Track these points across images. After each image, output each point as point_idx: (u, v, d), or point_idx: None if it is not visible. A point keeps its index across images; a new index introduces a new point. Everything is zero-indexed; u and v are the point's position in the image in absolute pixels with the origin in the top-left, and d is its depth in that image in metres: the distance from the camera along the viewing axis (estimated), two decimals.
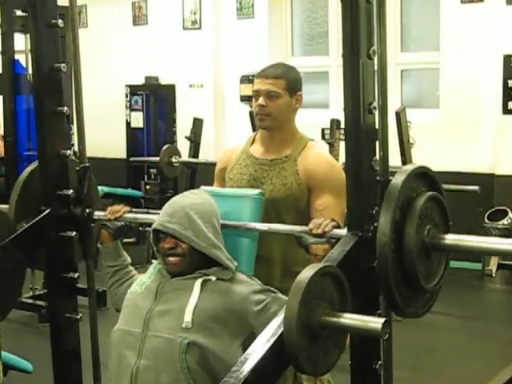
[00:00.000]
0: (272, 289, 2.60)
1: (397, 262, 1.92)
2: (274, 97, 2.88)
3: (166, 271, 2.64)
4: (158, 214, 2.63)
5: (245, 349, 2.38)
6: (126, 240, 3.06)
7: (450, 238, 2.00)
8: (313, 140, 3.01)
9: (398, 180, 1.95)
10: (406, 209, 1.94)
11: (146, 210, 7.95)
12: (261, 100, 2.89)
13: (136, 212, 3.01)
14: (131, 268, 2.91)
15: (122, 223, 2.85)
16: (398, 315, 1.98)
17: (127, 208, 2.87)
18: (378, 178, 2.07)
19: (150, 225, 2.66)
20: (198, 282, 2.54)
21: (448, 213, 2.06)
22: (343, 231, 2.24)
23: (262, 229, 2.71)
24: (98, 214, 2.86)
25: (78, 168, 2.85)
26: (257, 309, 2.51)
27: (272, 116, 2.89)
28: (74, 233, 2.81)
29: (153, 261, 2.76)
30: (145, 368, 2.43)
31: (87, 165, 2.86)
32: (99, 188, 3.16)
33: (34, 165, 2.92)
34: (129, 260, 2.92)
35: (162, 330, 2.46)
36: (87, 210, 2.83)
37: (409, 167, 1.99)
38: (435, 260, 2.04)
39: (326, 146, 6.68)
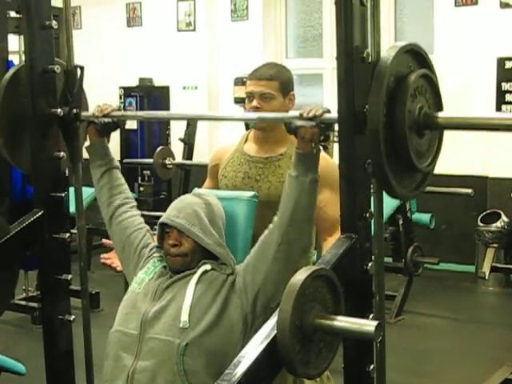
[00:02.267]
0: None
1: (388, 139, 1.89)
2: (268, 98, 2.87)
3: (166, 270, 2.63)
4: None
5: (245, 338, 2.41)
6: None
7: (442, 116, 1.98)
8: None
9: (388, 55, 1.92)
10: (396, 86, 1.92)
11: (140, 212, 7.96)
12: (255, 102, 2.88)
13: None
14: (120, 176, 2.87)
15: (110, 120, 2.78)
16: (390, 194, 1.96)
17: (115, 106, 2.82)
18: (369, 61, 2.03)
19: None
20: (194, 278, 2.54)
21: (439, 92, 2.04)
22: (333, 115, 2.21)
23: (253, 118, 2.71)
24: (85, 114, 2.82)
25: (65, 68, 2.80)
26: (238, 290, 2.53)
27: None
28: (68, 234, 2.81)
29: (154, 254, 2.74)
30: (142, 369, 2.43)
31: (81, 65, 2.82)
32: (91, 190, 3.15)
33: (19, 65, 2.85)
34: (116, 163, 2.88)
35: (159, 332, 2.46)
36: (74, 110, 2.79)
37: (399, 43, 1.97)
38: (427, 140, 2.02)
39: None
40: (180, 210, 2.63)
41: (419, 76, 1.97)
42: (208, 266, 2.57)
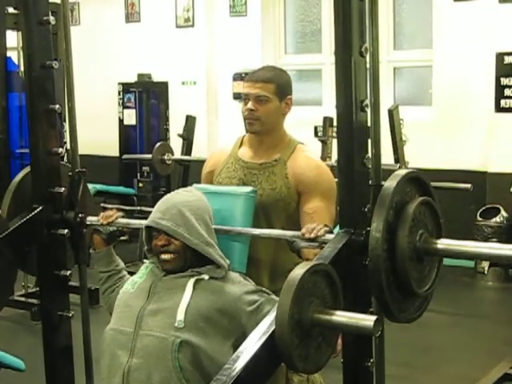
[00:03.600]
0: (265, 289, 2.60)
1: (389, 266, 1.92)
2: (264, 101, 2.85)
3: (159, 270, 2.63)
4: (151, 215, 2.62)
5: (236, 348, 2.39)
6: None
7: (442, 243, 2.00)
8: (302, 143, 2.99)
9: (390, 185, 1.95)
10: (398, 213, 1.94)
11: (138, 207, 7.97)
12: (250, 104, 2.86)
13: (129, 216, 3.00)
14: (124, 273, 2.89)
15: (115, 228, 2.83)
16: (391, 320, 1.98)
17: (120, 213, 2.84)
18: (370, 182, 2.07)
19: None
20: (191, 281, 2.53)
21: (440, 218, 2.07)
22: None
23: (253, 233, 2.70)
24: (90, 219, 2.85)
25: (70, 173, 2.85)
26: (249, 309, 2.51)
27: (261, 120, 2.87)
28: (66, 230, 2.81)
29: (145, 260, 2.75)
30: (137, 367, 2.43)
31: (83, 169, 2.86)
32: (91, 186, 3.15)
33: (28, 169, 2.91)
34: (122, 265, 2.90)
35: (154, 329, 2.46)
36: (80, 215, 2.82)
37: (401, 172, 1.99)
38: (427, 265, 2.04)
39: (319, 144, 6.69)
40: (165, 211, 2.60)
41: (419, 204, 1.98)
42: (205, 276, 2.56)
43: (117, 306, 2.63)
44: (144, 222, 2.67)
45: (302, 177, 2.85)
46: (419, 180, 2.05)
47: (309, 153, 2.97)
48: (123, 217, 2.85)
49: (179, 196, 2.69)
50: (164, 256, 2.59)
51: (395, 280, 1.94)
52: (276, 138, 2.93)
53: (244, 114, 2.90)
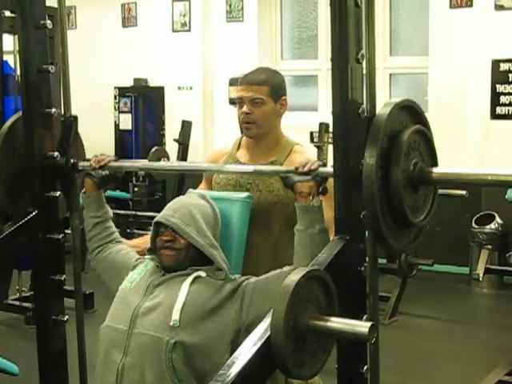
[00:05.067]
0: (247, 277, 2.61)
1: (383, 196, 1.90)
2: (259, 104, 2.85)
3: (158, 269, 2.64)
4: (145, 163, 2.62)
5: (235, 346, 2.40)
6: None
7: (437, 171, 1.98)
8: (298, 144, 3.00)
9: (383, 112, 1.94)
10: (391, 142, 1.93)
11: (133, 212, 7.96)
12: (245, 107, 2.86)
13: (124, 220, 3.01)
14: (112, 224, 2.90)
15: (107, 172, 2.81)
16: (386, 250, 1.98)
17: (112, 157, 2.83)
18: (364, 115, 2.03)
19: (135, 172, 2.64)
20: (188, 279, 2.54)
21: (434, 146, 2.05)
22: (329, 169, 2.23)
23: (248, 170, 2.73)
24: (82, 164, 2.83)
25: (62, 118, 2.82)
26: (238, 303, 2.52)
27: (257, 123, 2.87)
28: (62, 235, 2.80)
29: (145, 257, 2.74)
30: (130, 365, 2.43)
31: (75, 115, 2.84)
32: None
33: (19, 114, 2.87)
34: (110, 214, 2.91)
35: (148, 328, 2.46)
36: (72, 161, 2.80)
37: (394, 100, 1.98)
38: (422, 195, 2.03)
39: (314, 150, 6.69)
40: (176, 210, 2.64)
41: (414, 132, 1.97)
42: (203, 274, 2.57)
43: (114, 302, 2.64)
44: (136, 165, 2.66)
45: None
46: (413, 109, 2.04)
47: (306, 154, 2.97)
48: (115, 161, 2.84)
49: (191, 199, 2.74)
50: (166, 251, 2.60)
51: (390, 209, 1.92)
52: (273, 140, 2.93)
53: (240, 118, 2.90)
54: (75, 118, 2.85)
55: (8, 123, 2.89)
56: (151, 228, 2.71)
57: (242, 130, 2.96)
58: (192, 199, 2.73)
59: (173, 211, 2.64)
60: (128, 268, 2.75)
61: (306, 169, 2.36)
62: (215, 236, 2.65)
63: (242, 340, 2.45)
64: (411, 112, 2.04)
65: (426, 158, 2.04)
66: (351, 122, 2.04)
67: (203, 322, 2.47)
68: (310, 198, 2.40)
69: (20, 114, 2.85)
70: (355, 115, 2.03)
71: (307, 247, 2.44)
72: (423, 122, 2.07)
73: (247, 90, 2.87)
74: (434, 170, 2.00)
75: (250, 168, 2.73)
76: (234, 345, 2.46)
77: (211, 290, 2.53)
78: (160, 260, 2.64)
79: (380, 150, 1.89)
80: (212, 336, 2.47)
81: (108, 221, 2.90)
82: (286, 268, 2.53)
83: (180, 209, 2.64)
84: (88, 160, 2.84)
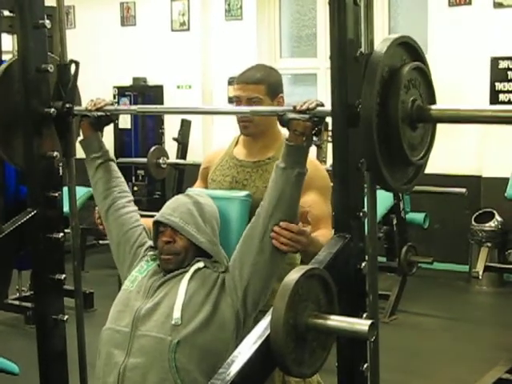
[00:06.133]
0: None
1: (381, 130, 1.89)
2: (256, 102, 2.84)
3: (159, 269, 2.64)
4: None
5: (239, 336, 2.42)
6: None
7: (435, 108, 1.98)
8: None
9: (381, 48, 1.92)
10: (389, 78, 1.92)
11: (136, 208, 7.95)
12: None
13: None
14: (115, 168, 2.86)
15: (103, 114, 2.78)
16: (385, 189, 1.96)
17: (108, 101, 2.82)
18: (362, 51, 2.02)
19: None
20: (187, 276, 2.54)
21: (432, 85, 2.04)
22: (327, 108, 2.22)
23: (245, 111, 2.72)
24: (78, 108, 2.81)
25: (58, 63, 2.80)
26: (228, 287, 2.52)
27: (255, 122, 2.86)
28: (61, 234, 2.80)
29: (148, 253, 2.74)
30: (133, 367, 2.43)
31: (77, 60, 2.81)
32: (86, 190, 3.14)
33: (11, 60, 2.83)
34: (112, 156, 2.87)
35: (150, 329, 2.46)
36: (67, 105, 2.78)
37: (392, 36, 1.97)
38: (421, 132, 2.02)
39: (314, 148, 6.68)
40: (174, 208, 2.64)
41: (412, 68, 1.97)
42: (201, 264, 2.58)
43: (115, 304, 2.63)
44: (133, 107, 2.64)
45: None
46: (411, 45, 2.03)
47: None
48: (111, 104, 2.83)
49: (190, 197, 2.73)
50: (166, 257, 2.60)
51: (387, 145, 1.91)
52: (270, 138, 2.93)
53: (237, 117, 2.90)
54: (77, 63, 2.81)
55: (2, 67, 2.84)
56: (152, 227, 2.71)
57: (240, 129, 2.95)
58: (190, 197, 2.73)
59: (172, 210, 2.64)
60: (135, 257, 2.73)
61: (303, 107, 2.33)
62: (214, 233, 2.65)
63: (243, 321, 2.47)
64: (410, 49, 2.02)
65: (424, 96, 2.02)
66: (350, 121, 2.04)
67: (205, 316, 2.47)
68: (303, 138, 2.37)
69: (15, 58, 2.81)
70: (354, 114, 2.03)
71: (279, 186, 2.42)
72: (422, 59, 2.05)
73: (244, 89, 2.87)
74: (433, 107, 1.99)
75: (247, 109, 2.71)
76: (238, 329, 2.48)
77: (209, 283, 2.53)
78: (161, 263, 2.64)
79: (379, 82, 1.87)
80: (215, 327, 2.47)
81: (111, 162, 2.85)
82: (248, 227, 2.55)
83: (179, 207, 2.64)
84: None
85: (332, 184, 2.18)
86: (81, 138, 2.85)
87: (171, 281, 2.57)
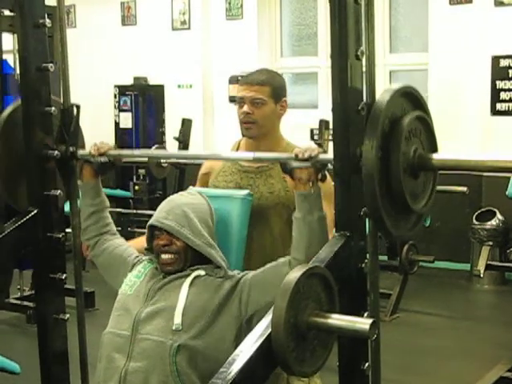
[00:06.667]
0: (245, 272, 2.60)
1: (383, 182, 1.89)
2: (260, 104, 2.84)
3: (157, 271, 2.63)
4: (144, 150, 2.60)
5: (239, 342, 2.40)
6: None
7: (437, 157, 1.98)
8: (298, 147, 2.97)
9: (383, 98, 1.92)
10: (391, 128, 1.92)
11: (134, 210, 7.97)
12: (246, 107, 2.85)
13: (125, 219, 2.99)
14: (108, 215, 2.88)
15: (106, 159, 2.78)
16: (386, 238, 1.97)
17: (111, 145, 2.82)
18: (364, 101, 2.02)
19: (133, 162, 2.60)
20: (187, 280, 2.53)
21: (434, 133, 2.04)
22: (329, 156, 2.22)
23: (248, 157, 2.70)
24: (81, 152, 2.81)
25: (62, 107, 2.80)
26: (237, 299, 2.52)
27: (258, 124, 2.86)
28: (62, 233, 2.80)
29: (143, 258, 2.74)
30: (134, 370, 2.42)
31: (78, 104, 2.83)
32: None
33: (18, 102, 2.84)
34: (107, 203, 2.88)
35: (151, 333, 2.45)
36: (71, 149, 2.79)
37: (394, 86, 1.98)
38: (422, 181, 2.02)
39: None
40: (169, 211, 2.61)
41: (413, 118, 1.97)
42: (202, 272, 2.56)
43: (115, 308, 2.63)
44: (136, 152, 2.64)
45: None
46: (413, 95, 2.03)
47: None
48: (114, 149, 2.83)
49: (183, 198, 2.71)
50: (164, 256, 2.59)
51: (389, 194, 1.92)
52: (273, 142, 2.92)
53: (240, 118, 2.89)
54: (78, 106, 2.83)
55: (7, 111, 2.85)
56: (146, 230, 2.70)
57: (242, 131, 2.94)
58: (184, 197, 2.71)
59: (166, 213, 2.61)
60: (126, 266, 2.74)
61: (306, 155, 2.34)
62: (211, 233, 2.63)
63: (244, 336, 2.46)
64: (411, 98, 2.02)
65: (426, 144, 2.02)
66: (351, 119, 2.04)
67: (205, 323, 2.46)
68: (310, 184, 2.38)
69: (19, 102, 2.82)
70: (355, 112, 2.03)
71: (305, 235, 2.41)
72: (423, 108, 2.05)
73: (248, 90, 2.86)
74: (434, 155, 1.99)
75: (250, 155, 2.71)
76: (238, 341, 2.45)
77: (211, 290, 2.52)
78: (159, 264, 2.63)
79: (380, 135, 1.88)
80: (215, 336, 2.46)
81: (104, 210, 2.87)
82: (282, 259, 2.53)
83: (173, 209, 2.61)
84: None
85: (333, 183, 2.18)
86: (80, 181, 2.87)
87: (171, 284, 2.56)
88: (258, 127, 2.87)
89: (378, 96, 1.96)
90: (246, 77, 2.95)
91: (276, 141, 2.94)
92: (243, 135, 2.95)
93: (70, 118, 2.80)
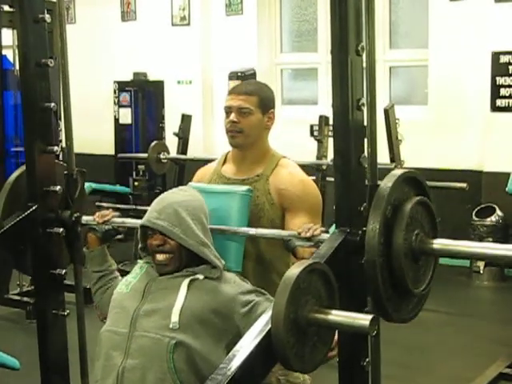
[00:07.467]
0: (261, 290, 2.57)
1: (385, 266, 1.92)
2: (246, 113, 2.83)
3: (153, 270, 2.62)
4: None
5: (230, 350, 2.39)
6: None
7: (438, 243, 2.00)
8: (285, 157, 2.95)
9: (386, 184, 1.94)
10: (394, 213, 1.94)
11: (134, 206, 7.96)
12: (232, 116, 2.84)
13: (124, 215, 3.00)
14: (117, 274, 2.88)
15: (110, 227, 2.82)
16: (387, 320, 1.98)
17: (116, 213, 2.85)
18: (366, 182, 2.06)
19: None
20: (186, 281, 2.52)
21: (436, 218, 2.07)
22: None
23: (249, 233, 2.69)
24: (85, 218, 2.84)
25: (66, 172, 2.84)
26: (243, 310, 2.49)
27: (244, 133, 2.84)
28: (61, 229, 2.80)
29: (138, 260, 2.74)
30: (131, 368, 2.41)
31: (83, 170, 2.86)
32: (87, 184, 3.14)
33: (23, 168, 2.89)
34: (114, 266, 2.90)
35: (148, 330, 2.45)
36: (75, 215, 2.81)
37: (397, 172, 1.99)
38: (423, 265, 2.04)
39: (314, 143, 6.68)
40: (160, 211, 2.58)
41: (415, 203, 1.98)
42: (200, 276, 2.55)
43: (112, 307, 2.62)
44: (139, 222, 2.65)
45: (285, 193, 2.82)
46: (415, 180, 2.05)
47: (292, 167, 2.92)
48: (119, 216, 2.85)
49: (175, 195, 2.68)
50: (159, 256, 2.58)
51: (391, 279, 1.94)
52: (259, 153, 2.91)
53: (227, 127, 2.87)
54: (82, 172, 2.86)
55: (12, 178, 2.94)
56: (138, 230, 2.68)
57: (228, 139, 2.91)
58: (176, 195, 2.68)
59: (158, 213, 2.58)
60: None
61: (308, 234, 2.35)
62: (204, 229, 2.60)
63: (234, 344, 2.45)
64: (413, 183, 2.04)
65: (427, 228, 2.04)
66: (351, 115, 2.04)
67: (202, 325, 2.45)
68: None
69: (23, 168, 2.87)
70: (355, 108, 2.02)
71: None
72: (425, 192, 2.07)
73: (236, 99, 2.85)
74: (435, 241, 2.01)
75: (252, 231, 2.68)
76: (228, 348, 2.44)
77: (210, 293, 2.51)
78: (155, 264, 2.61)
79: (382, 222, 1.90)
80: (210, 339, 2.46)
81: (113, 272, 2.88)
82: None
83: (165, 209, 2.58)
84: (91, 214, 2.84)
85: (333, 179, 2.17)
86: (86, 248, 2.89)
87: (168, 282, 2.55)
88: (245, 136, 2.86)
89: (381, 183, 1.97)
90: (234, 87, 2.96)
91: (262, 152, 2.92)
92: (230, 144, 2.94)
93: (74, 184, 2.82)
